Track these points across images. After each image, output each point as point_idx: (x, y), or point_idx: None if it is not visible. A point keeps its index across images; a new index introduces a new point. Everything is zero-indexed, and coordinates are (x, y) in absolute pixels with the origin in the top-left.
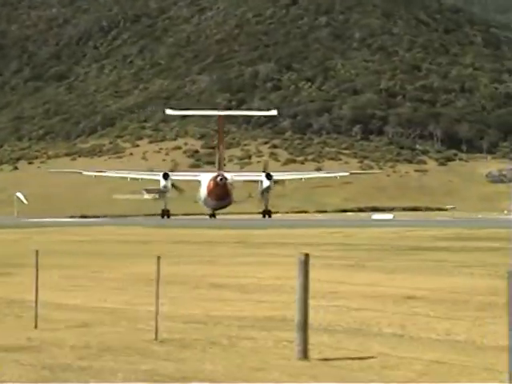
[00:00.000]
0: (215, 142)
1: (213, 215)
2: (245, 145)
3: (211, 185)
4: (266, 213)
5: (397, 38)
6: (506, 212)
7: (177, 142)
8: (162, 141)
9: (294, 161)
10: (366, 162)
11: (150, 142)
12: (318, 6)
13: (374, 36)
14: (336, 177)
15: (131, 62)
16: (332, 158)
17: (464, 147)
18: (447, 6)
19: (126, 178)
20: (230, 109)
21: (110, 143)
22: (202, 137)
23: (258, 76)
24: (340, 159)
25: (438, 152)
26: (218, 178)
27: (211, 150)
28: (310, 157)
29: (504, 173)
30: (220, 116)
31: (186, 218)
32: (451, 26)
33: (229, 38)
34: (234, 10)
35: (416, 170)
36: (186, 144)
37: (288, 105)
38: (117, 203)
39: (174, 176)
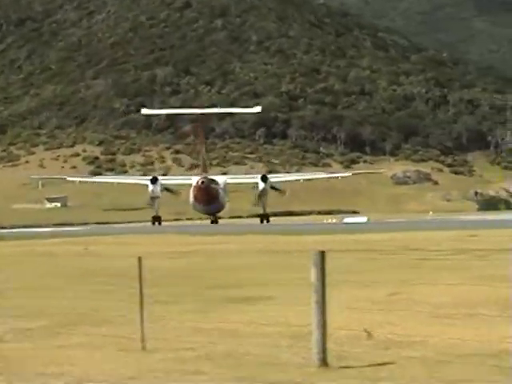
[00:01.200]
0: (116, 148)
1: (215, 221)
2: (146, 151)
3: (195, 189)
4: (264, 217)
5: (294, 41)
6: (431, 213)
7: (75, 148)
8: (58, 148)
9: (198, 166)
10: (271, 166)
11: (47, 149)
12: (212, 9)
13: (270, 39)
14: (337, 177)
15: (19, 66)
16: (237, 163)
17: (367, 149)
18: (335, 10)
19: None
20: (128, 114)
21: (3, 151)
22: (100, 143)
23: (155, 80)
24: (245, 163)
25: (343, 155)
26: (200, 182)
27: (112, 156)
28: (214, 162)
29: (408, 174)
30: (201, 115)
31: (184, 224)
32: (341, 30)
33: (122, 42)
34: (126, 13)
35: None
36: (84, 151)
37: (188, 107)
38: (16, 213)
39: (164, 180)
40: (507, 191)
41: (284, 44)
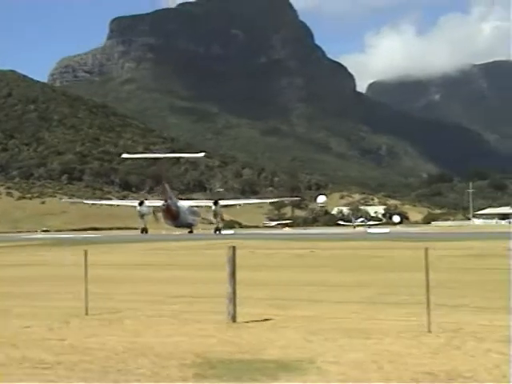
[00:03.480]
0: None
1: (191, 231)
2: None
3: (161, 210)
4: (218, 229)
5: (81, 121)
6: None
7: None
8: None
9: (24, 197)
10: (74, 198)
11: None
12: (27, 97)
13: (67, 118)
14: (267, 202)
15: None
16: (50, 195)
17: (134, 189)
18: (98, 103)
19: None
20: None
21: None
22: None
23: None
24: (55, 196)
25: (117, 192)
26: (162, 205)
27: None
28: (35, 195)
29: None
30: (161, 158)
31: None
32: (103, 116)
33: None
34: None
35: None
36: None
37: (15, 161)
38: None
39: (148, 203)
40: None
41: (76, 122)
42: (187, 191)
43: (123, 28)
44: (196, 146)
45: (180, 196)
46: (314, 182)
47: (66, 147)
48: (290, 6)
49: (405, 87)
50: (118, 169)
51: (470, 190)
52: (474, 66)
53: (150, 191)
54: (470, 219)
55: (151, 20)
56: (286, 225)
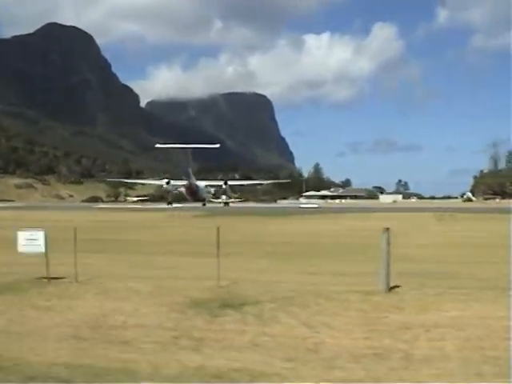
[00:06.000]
0: None
1: (204, 204)
2: None
3: (185, 188)
4: (226, 203)
5: None
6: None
7: None
8: None
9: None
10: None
11: None
12: None
13: None
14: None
15: None
16: None
17: None
18: None
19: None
20: None
21: None
22: None
23: None
24: None
25: None
26: (186, 183)
27: None
28: None
29: None
30: (189, 148)
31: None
32: None
33: None
34: None
35: None
36: None
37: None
38: None
39: (173, 182)
40: None
41: None
42: (41, 173)
43: None
44: (34, 142)
45: (35, 176)
46: (135, 169)
47: None
48: (94, 42)
49: (172, 105)
50: None
51: (304, 178)
52: (220, 94)
53: (13, 173)
54: (298, 199)
55: None
56: (146, 200)
